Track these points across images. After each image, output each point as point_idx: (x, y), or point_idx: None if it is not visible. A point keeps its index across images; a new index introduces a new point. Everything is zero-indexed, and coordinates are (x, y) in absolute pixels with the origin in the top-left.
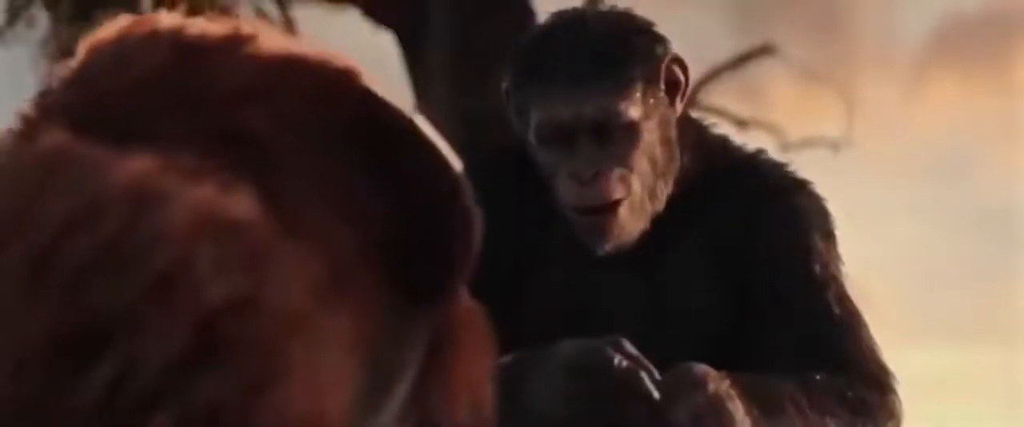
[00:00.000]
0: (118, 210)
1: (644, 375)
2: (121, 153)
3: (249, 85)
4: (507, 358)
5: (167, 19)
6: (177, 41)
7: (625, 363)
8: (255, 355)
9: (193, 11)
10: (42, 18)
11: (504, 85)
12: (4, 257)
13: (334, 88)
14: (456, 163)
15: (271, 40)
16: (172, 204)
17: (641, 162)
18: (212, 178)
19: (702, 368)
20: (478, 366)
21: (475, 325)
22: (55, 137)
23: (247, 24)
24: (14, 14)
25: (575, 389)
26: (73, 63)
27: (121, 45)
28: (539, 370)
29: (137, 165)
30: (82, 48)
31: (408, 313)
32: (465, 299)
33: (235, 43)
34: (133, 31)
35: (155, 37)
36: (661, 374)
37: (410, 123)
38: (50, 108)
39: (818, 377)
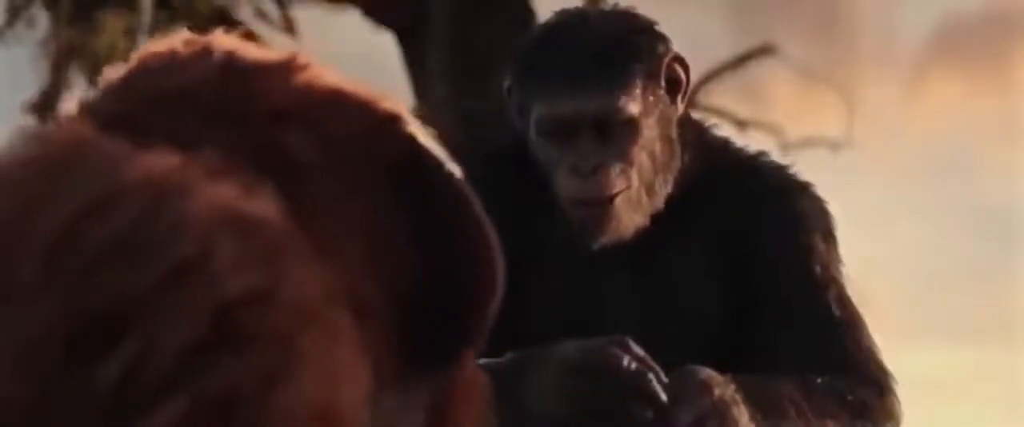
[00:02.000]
0: (135, 201)
1: (652, 377)
2: (143, 148)
3: (295, 109)
4: (508, 356)
5: (223, 40)
6: (229, 59)
7: (634, 364)
8: (270, 346)
9: (192, 12)
10: (42, 18)
11: (506, 83)
12: (20, 244)
13: (381, 128)
14: (490, 224)
15: (324, 73)
16: (191, 197)
17: (640, 157)
18: (233, 177)
19: (707, 372)
20: None
21: (474, 396)
22: (79, 129)
23: (304, 54)
24: (14, 14)
25: (576, 388)
26: (121, 71)
27: (172, 57)
28: (540, 369)
29: (158, 160)
30: (136, 56)
31: (411, 373)
32: (471, 367)
33: (287, 69)
34: (186, 47)
35: (207, 54)
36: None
37: (455, 181)
38: (87, 108)
39: (818, 379)
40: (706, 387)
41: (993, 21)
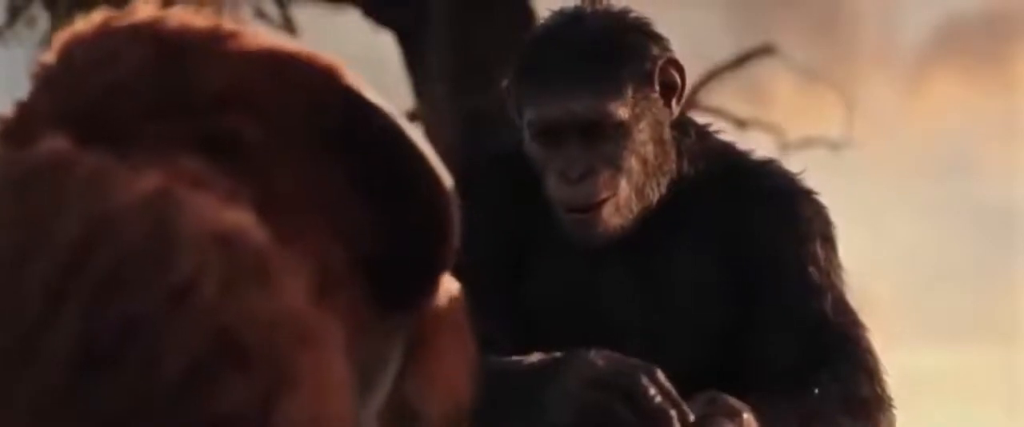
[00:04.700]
0: (134, 227)
1: (674, 414)
2: (127, 164)
3: (233, 87)
4: (534, 357)
5: (145, 12)
6: (157, 38)
7: (659, 398)
8: (269, 365)
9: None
10: (42, 18)
11: (505, 83)
12: (24, 272)
13: (319, 90)
14: (437, 159)
15: (253, 37)
16: (181, 217)
17: (630, 161)
18: (216, 188)
19: (734, 399)
20: (455, 360)
21: (452, 319)
22: (56, 144)
23: (229, 20)
24: (14, 14)
25: (595, 401)
26: (51, 61)
27: (101, 42)
28: (564, 373)
29: (148, 180)
30: (59, 44)
31: (388, 317)
32: (444, 293)
33: (216, 41)
34: (112, 27)
35: (135, 34)
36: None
37: (395, 125)
38: (36, 110)
39: (817, 391)
40: (735, 412)
41: (993, 21)
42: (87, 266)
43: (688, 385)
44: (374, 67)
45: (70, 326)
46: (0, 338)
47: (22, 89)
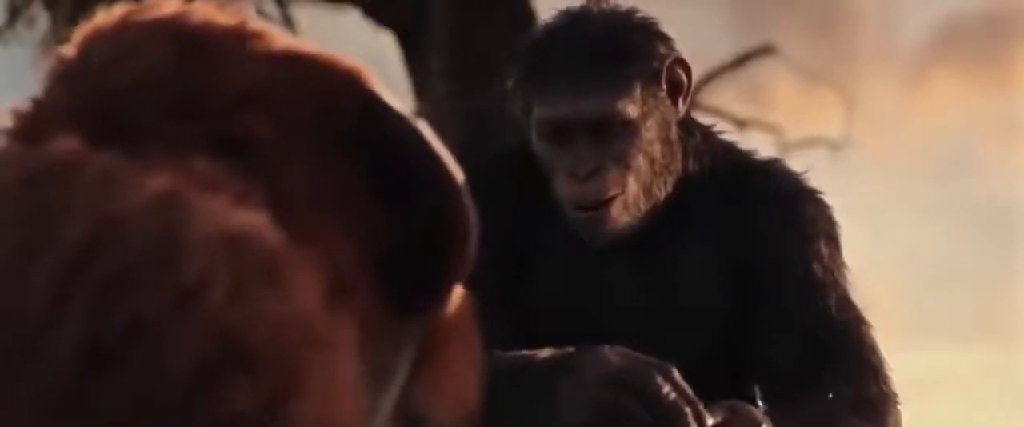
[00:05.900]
0: (142, 228)
1: (688, 411)
2: (138, 164)
3: (252, 88)
4: (546, 352)
5: (168, 7)
6: (179, 35)
7: (673, 395)
8: (276, 367)
9: None
10: (42, 18)
11: (509, 82)
12: (30, 271)
13: (338, 93)
14: (456, 167)
15: (276, 39)
16: (190, 219)
17: (638, 159)
18: (226, 190)
19: (755, 409)
20: (463, 369)
21: (462, 325)
22: (67, 144)
23: (253, 19)
24: (14, 14)
25: (608, 399)
26: (70, 54)
27: (121, 38)
28: (577, 371)
29: (158, 181)
30: (79, 38)
31: (400, 322)
32: (455, 299)
33: (239, 40)
34: (133, 21)
35: (156, 29)
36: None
37: (414, 130)
38: (52, 107)
39: (825, 395)
40: (754, 422)
41: (993, 21)
42: (94, 266)
43: (690, 385)
44: (374, 67)
45: (75, 326)
46: (2, 336)
47: (22, 89)
